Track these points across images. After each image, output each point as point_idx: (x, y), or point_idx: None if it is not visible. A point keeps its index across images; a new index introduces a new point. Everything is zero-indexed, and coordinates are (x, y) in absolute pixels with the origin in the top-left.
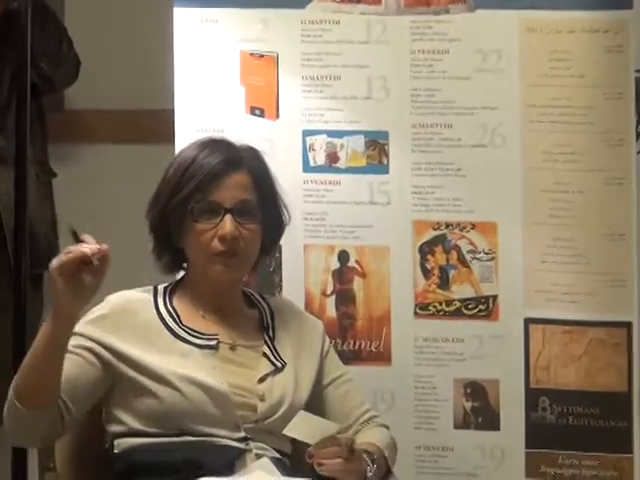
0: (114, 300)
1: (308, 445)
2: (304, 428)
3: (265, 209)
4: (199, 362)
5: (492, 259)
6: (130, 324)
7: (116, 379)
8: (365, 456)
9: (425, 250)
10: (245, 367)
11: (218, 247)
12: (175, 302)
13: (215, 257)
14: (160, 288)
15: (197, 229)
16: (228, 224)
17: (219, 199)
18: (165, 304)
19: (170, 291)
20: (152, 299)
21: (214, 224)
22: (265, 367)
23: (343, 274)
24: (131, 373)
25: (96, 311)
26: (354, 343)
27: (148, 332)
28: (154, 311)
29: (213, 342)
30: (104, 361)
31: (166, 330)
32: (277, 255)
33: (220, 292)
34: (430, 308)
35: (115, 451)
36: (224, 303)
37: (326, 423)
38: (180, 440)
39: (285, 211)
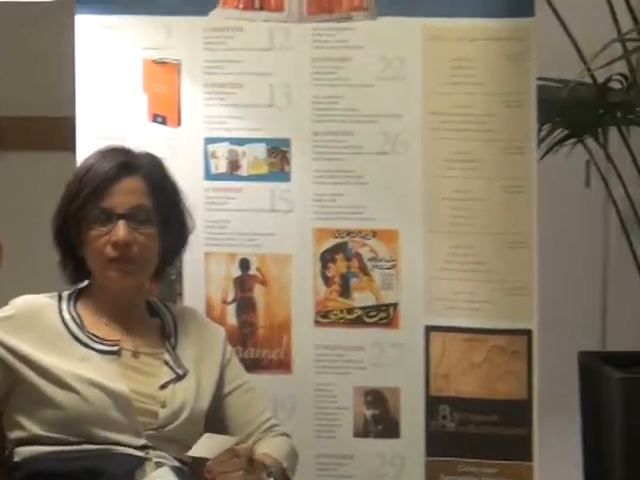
0: (20, 303)
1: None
2: (204, 446)
3: (163, 215)
4: (101, 367)
5: (393, 267)
6: (34, 327)
7: (17, 382)
8: (263, 468)
9: (326, 258)
10: (147, 374)
11: (111, 253)
12: (79, 308)
13: (109, 264)
14: (64, 294)
15: (92, 236)
16: (121, 230)
17: (112, 205)
18: (69, 310)
19: (75, 297)
20: (56, 304)
21: (108, 230)
22: (166, 374)
23: (244, 282)
24: (32, 376)
25: (0, 313)
26: (255, 351)
27: (51, 336)
28: (58, 316)
29: (115, 348)
30: (5, 362)
31: (69, 335)
32: (178, 263)
33: (119, 299)
34: (331, 316)
35: (15, 459)
36: (126, 310)
37: (224, 438)
38: (81, 448)
39: (188, 220)
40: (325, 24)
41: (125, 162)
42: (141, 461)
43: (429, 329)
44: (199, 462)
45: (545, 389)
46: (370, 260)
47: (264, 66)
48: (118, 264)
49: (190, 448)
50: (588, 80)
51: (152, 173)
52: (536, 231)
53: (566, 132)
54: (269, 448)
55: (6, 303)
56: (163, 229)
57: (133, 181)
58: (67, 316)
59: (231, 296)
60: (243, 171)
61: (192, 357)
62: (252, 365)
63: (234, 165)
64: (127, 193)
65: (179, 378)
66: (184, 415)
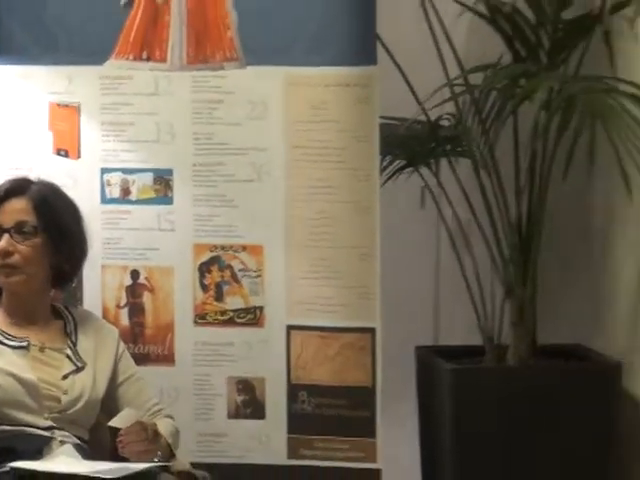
0: None
1: (105, 434)
2: (119, 419)
3: (52, 230)
4: (13, 359)
5: (259, 276)
6: None
7: None
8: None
9: (203, 269)
10: (52, 366)
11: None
12: None
13: (0, 269)
14: None
15: None
16: (3, 241)
17: (1, 221)
18: None
19: None
20: None
21: None
22: (68, 367)
23: (134, 290)
24: None
25: None
26: (144, 347)
27: None
28: None
29: (24, 344)
30: None
31: None
32: (79, 274)
33: (20, 301)
34: (207, 317)
35: None
36: (32, 313)
37: (134, 412)
38: None
39: (85, 236)
40: (202, 72)
41: (14, 186)
42: (48, 440)
43: (290, 328)
44: (114, 432)
45: (389, 378)
46: (240, 270)
47: (151, 107)
48: (4, 269)
49: (88, 429)
50: (423, 118)
51: (40, 195)
52: (379, 245)
53: (404, 162)
54: (157, 427)
55: None
56: (53, 242)
57: (19, 202)
58: None
59: (123, 301)
60: (133, 196)
61: (90, 352)
62: (141, 359)
63: (125, 191)
64: (12, 211)
65: (79, 370)
66: (83, 401)
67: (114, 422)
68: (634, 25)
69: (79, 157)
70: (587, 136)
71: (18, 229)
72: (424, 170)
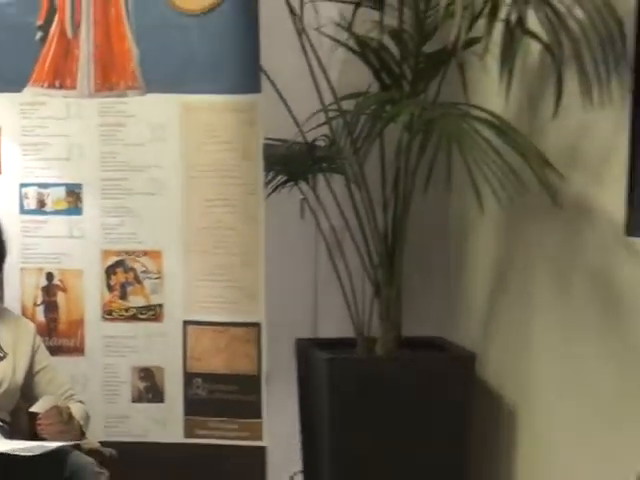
0: None
1: (24, 417)
2: (38, 404)
3: None
4: None
5: (158, 278)
6: None
7: None
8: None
9: (110, 271)
10: None
11: None
12: None
13: None
14: None
15: None
16: None
17: None
18: None
19: None
20: None
21: None
22: None
23: (49, 290)
24: None
25: None
26: (57, 340)
27: None
28: None
29: None
30: None
31: None
32: (1, 276)
33: None
34: (114, 314)
35: None
36: None
37: (51, 397)
38: None
39: (5, 243)
40: (108, 99)
41: None
42: None
43: (186, 323)
44: (34, 416)
45: (273, 366)
46: (142, 272)
47: (63, 130)
48: None
49: (9, 412)
50: (301, 140)
51: None
52: (264, 250)
53: (286, 178)
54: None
55: None
56: None
57: None
58: None
59: (40, 300)
60: (48, 208)
61: (10, 344)
62: (55, 350)
63: (41, 203)
64: None
65: (0, 359)
66: (4, 387)
67: (35, 408)
68: (483, 58)
69: (1, 173)
70: (444, 155)
71: None
72: (303, 185)
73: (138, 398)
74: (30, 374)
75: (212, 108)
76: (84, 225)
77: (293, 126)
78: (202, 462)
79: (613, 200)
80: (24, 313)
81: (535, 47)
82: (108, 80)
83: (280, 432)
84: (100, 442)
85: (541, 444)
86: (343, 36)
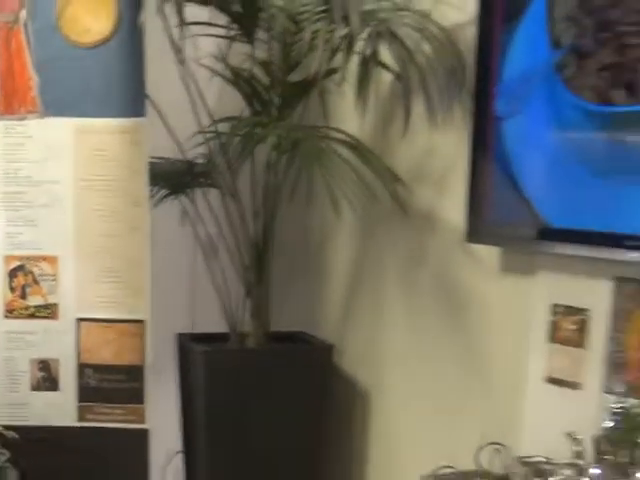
0: None
1: None
2: None
3: None
4: None
5: (54, 280)
6: None
7: None
8: None
9: (12, 275)
10: None
11: None
12: None
13: None
14: None
15: None
16: None
17: None
18: None
19: None
20: None
21: None
22: None
23: None
24: None
25: None
26: None
27: None
28: None
29: None
30: None
31: None
32: None
33: None
34: (15, 312)
35: None
36: None
37: None
38: None
39: None
40: (10, 121)
41: None
42: None
43: (79, 320)
44: None
45: (157, 358)
46: (40, 275)
47: None
48: None
49: None
50: (182, 157)
51: None
52: (150, 254)
53: (168, 191)
54: None
55: None
56: None
57: None
58: None
59: None
60: None
61: None
62: None
63: None
64: None
65: None
66: None
67: None
68: (341, 87)
69: None
70: (307, 171)
71: None
72: (183, 197)
73: (37, 387)
74: None
75: (103, 130)
76: None
77: (175, 146)
78: (93, 443)
79: (454, 210)
80: None
81: (387, 76)
82: (10, 105)
83: (162, 416)
84: (2, 426)
85: (391, 421)
86: (219, 67)
